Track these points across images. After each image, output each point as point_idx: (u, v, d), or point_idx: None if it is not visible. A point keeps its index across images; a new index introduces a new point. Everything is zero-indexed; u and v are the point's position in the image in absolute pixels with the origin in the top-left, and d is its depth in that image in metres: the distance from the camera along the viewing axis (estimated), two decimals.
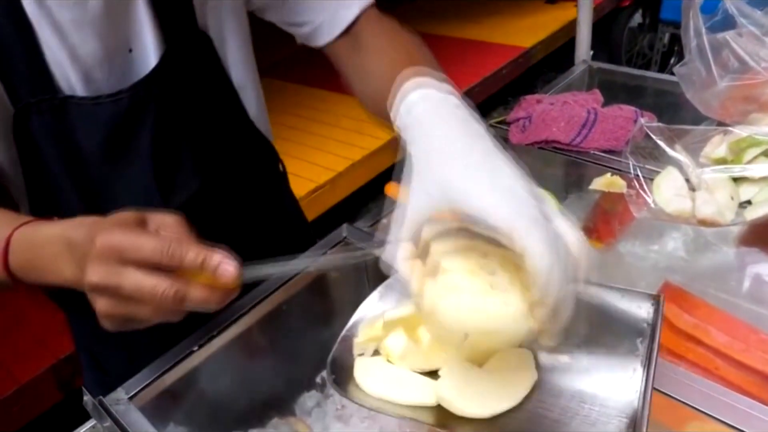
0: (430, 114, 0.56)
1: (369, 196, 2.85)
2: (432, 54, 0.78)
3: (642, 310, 0.60)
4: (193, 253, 0.54)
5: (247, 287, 0.83)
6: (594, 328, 0.61)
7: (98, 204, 0.77)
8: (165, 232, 0.57)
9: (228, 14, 0.81)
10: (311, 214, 2.48)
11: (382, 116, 0.67)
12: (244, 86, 0.86)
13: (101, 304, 0.54)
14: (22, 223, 0.61)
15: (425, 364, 0.63)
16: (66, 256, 0.58)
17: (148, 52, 0.75)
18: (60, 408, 1.89)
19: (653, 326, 0.59)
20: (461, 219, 0.50)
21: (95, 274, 0.53)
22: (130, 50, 0.74)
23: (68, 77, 0.71)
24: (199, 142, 0.82)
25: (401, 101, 0.59)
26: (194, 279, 0.55)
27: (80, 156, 0.74)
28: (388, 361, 0.64)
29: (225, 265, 0.54)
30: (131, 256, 0.53)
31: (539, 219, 0.46)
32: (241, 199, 0.92)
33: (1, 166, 0.74)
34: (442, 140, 0.53)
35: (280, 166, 1.01)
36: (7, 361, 1.90)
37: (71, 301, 0.81)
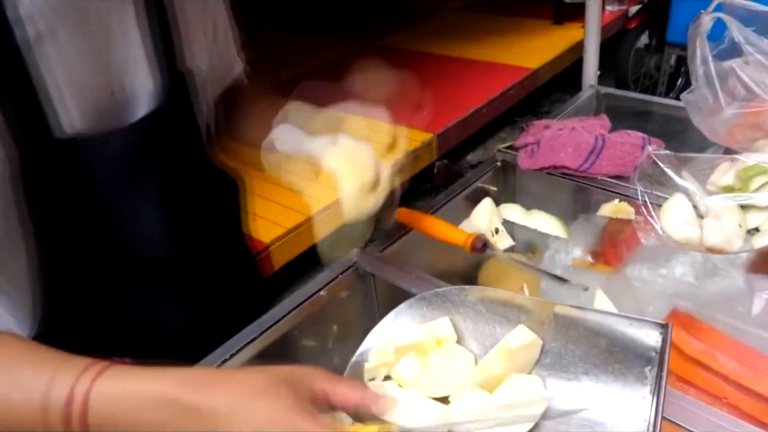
0: None
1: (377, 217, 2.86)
2: None
3: (650, 339, 0.61)
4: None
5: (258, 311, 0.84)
6: (602, 356, 0.62)
7: (104, 245, 0.74)
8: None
9: (203, 45, 0.81)
10: (317, 234, 2.49)
11: None
12: (201, 120, 0.85)
13: None
14: (97, 371, 0.51)
15: (437, 389, 0.64)
16: (176, 425, 0.49)
17: (142, 92, 0.73)
18: None
19: (661, 354, 0.59)
20: None
21: None
22: (123, 89, 0.71)
23: (69, 117, 0.66)
24: (187, 181, 0.80)
25: None
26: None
27: (87, 197, 0.70)
28: (400, 386, 0.65)
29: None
30: (333, 401, 0.53)
31: None
32: (213, 243, 0.90)
33: None
34: None
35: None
36: None
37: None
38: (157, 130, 0.73)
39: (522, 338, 0.64)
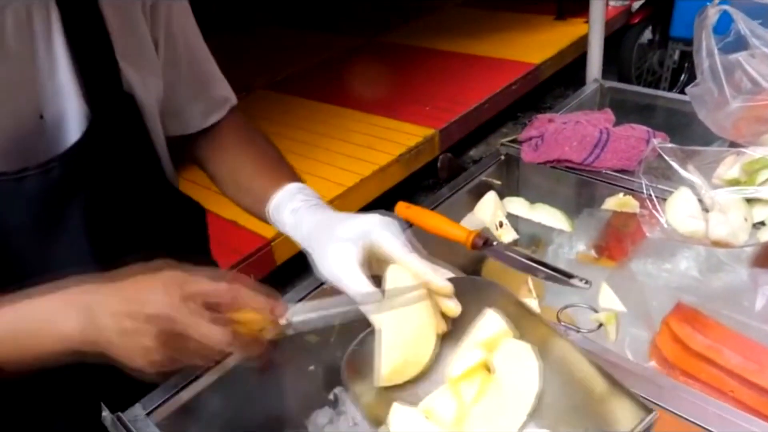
0: (312, 207, 0.76)
1: None
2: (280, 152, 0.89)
3: (633, 422, 0.57)
4: (250, 290, 0.59)
5: None
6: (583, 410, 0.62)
7: (27, 278, 0.65)
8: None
9: (144, 71, 0.76)
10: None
11: (248, 209, 0.84)
12: (160, 147, 0.82)
13: (154, 335, 0.55)
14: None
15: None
16: (67, 310, 0.57)
17: (67, 117, 0.69)
18: None
19: None
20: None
21: (157, 306, 0.55)
22: (41, 116, 0.67)
23: None
24: (132, 214, 0.77)
25: (283, 205, 0.77)
26: (238, 327, 0.59)
27: (5, 239, 0.67)
28: (426, 418, 0.64)
29: (278, 304, 0.60)
30: (193, 291, 0.56)
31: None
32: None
33: None
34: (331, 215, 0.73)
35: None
36: None
37: None
38: (85, 162, 0.69)
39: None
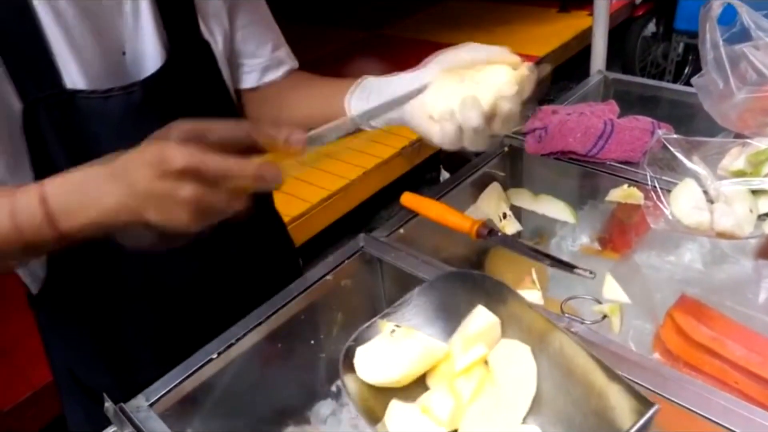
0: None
1: (381, 204, 2.86)
2: None
3: (633, 417, 0.56)
4: (263, 128, 0.60)
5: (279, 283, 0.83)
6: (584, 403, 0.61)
7: None
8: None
9: (217, 26, 0.83)
10: (323, 221, 2.49)
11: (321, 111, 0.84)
12: (233, 93, 0.89)
13: (186, 191, 0.55)
14: (48, 178, 0.62)
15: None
16: (108, 182, 0.58)
17: (145, 57, 0.76)
18: None
19: None
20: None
21: (179, 159, 0.55)
22: (123, 53, 0.75)
23: (71, 72, 0.71)
24: None
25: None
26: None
27: (87, 150, 0.72)
28: (423, 412, 0.64)
29: (295, 134, 0.61)
30: (212, 138, 0.58)
31: None
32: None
33: None
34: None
35: None
36: (22, 365, 1.92)
37: (59, 303, 0.84)
38: (161, 91, 0.76)
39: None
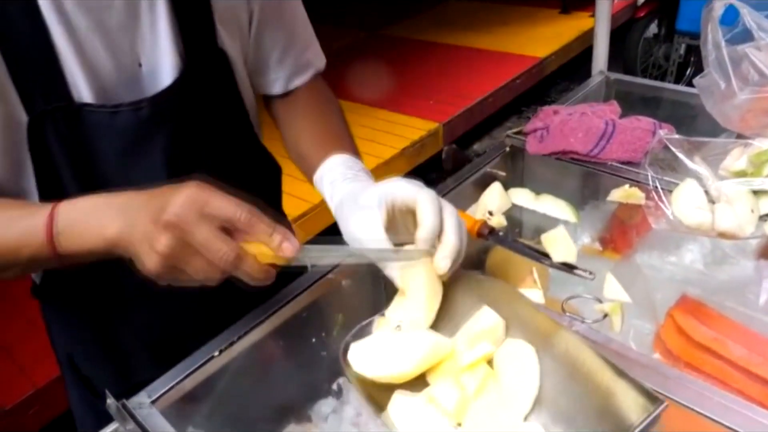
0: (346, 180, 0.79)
1: None
2: (345, 120, 0.95)
3: (639, 413, 0.57)
4: (265, 224, 0.60)
5: (281, 282, 0.84)
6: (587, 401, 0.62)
7: None
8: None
9: (236, 34, 0.82)
10: (325, 221, 2.49)
11: (306, 177, 0.88)
12: (249, 102, 0.88)
13: (164, 241, 0.57)
14: (64, 199, 0.65)
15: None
16: (111, 213, 0.61)
17: (162, 68, 0.75)
18: None
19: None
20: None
21: (174, 215, 0.56)
22: (140, 65, 0.74)
23: (78, 85, 0.71)
24: (212, 156, 0.83)
25: (325, 176, 0.81)
26: (250, 251, 0.60)
27: (92, 165, 0.74)
28: (429, 402, 0.64)
29: (288, 243, 0.60)
30: (212, 210, 0.58)
31: (429, 192, 0.68)
32: None
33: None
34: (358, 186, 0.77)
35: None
36: (24, 364, 1.92)
37: (61, 294, 0.85)
38: (170, 107, 0.75)
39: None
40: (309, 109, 0.93)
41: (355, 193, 0.75)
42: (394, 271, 0.69)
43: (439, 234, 0.67)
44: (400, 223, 0.70)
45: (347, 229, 0.72)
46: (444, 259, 0.67)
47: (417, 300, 0.69)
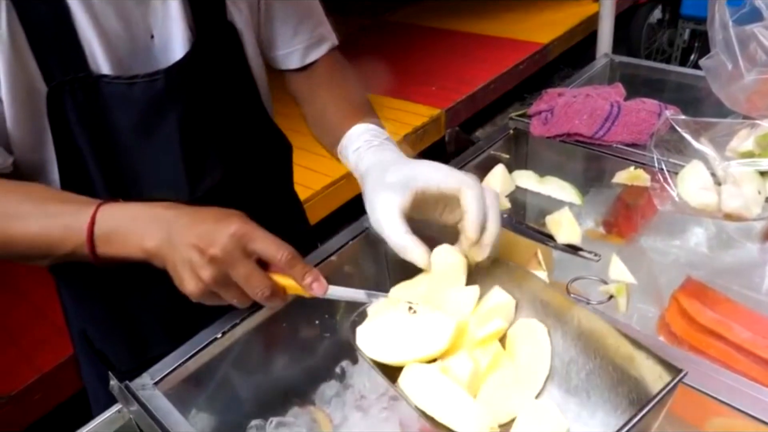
0: (372, 147, 0.80)
1: None
2: (366, 95, 0.95)
3: (657, 383, 0.58)
4: (301, 265, 0.66)
5: None
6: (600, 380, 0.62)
7: (123, 184, 0.78)
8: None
9: (245, 8, 0.83)
10: (328, 207, 2.49)
11: (329, 150, 0.89)
12: (259, 78, 0.89)
13: (209, 272, 0.62)
14: (107, 200, 0.68)
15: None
16: (153, 226, 0.65)
17: (173, 40, 0.76)
18: (81, 396, 1.91)
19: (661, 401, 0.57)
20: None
21: (221, 250, 0.62)
22: (152, 36, 0.75)
23: (96, 56, 0.72)
24: (223, 131, 0.83)
25: (349, 145, 0.81)
26: (280, 283, 0.67)
27: (109, 136, 0.75)
28: (442, 372, 0.64)
29: (318, 283, 0.67)
30: (256, 249, 0.64)
31: (472, 179, 0.69)
32: (256, 190, 0.92)
33: (17, 149, 0.74)
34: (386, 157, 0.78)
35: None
36: (28, 350, 1.93)
37: (77, 270, 0.84)
38: (184, 79, 0.76)
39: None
40: (328, 82, 0.93)
41: (383, 165, 0.74)
42: (417, 253, 0.68)
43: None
44: (429, 205, 0.71)
45: (371, 204, 0.71)
46: (486, 246, 0.68)
47: (442, 284, 0.70)
